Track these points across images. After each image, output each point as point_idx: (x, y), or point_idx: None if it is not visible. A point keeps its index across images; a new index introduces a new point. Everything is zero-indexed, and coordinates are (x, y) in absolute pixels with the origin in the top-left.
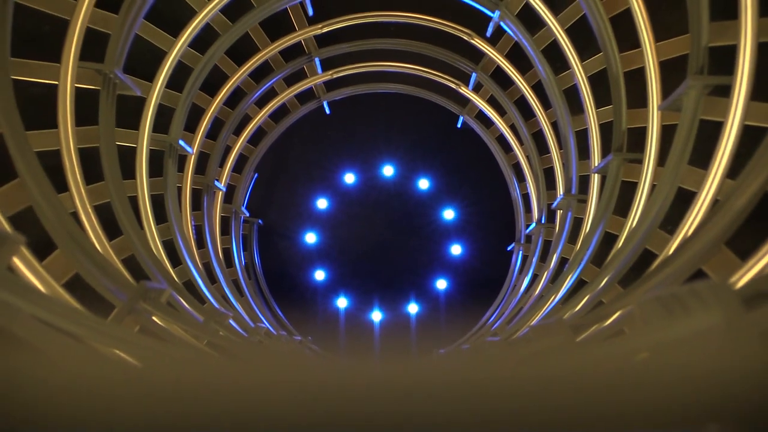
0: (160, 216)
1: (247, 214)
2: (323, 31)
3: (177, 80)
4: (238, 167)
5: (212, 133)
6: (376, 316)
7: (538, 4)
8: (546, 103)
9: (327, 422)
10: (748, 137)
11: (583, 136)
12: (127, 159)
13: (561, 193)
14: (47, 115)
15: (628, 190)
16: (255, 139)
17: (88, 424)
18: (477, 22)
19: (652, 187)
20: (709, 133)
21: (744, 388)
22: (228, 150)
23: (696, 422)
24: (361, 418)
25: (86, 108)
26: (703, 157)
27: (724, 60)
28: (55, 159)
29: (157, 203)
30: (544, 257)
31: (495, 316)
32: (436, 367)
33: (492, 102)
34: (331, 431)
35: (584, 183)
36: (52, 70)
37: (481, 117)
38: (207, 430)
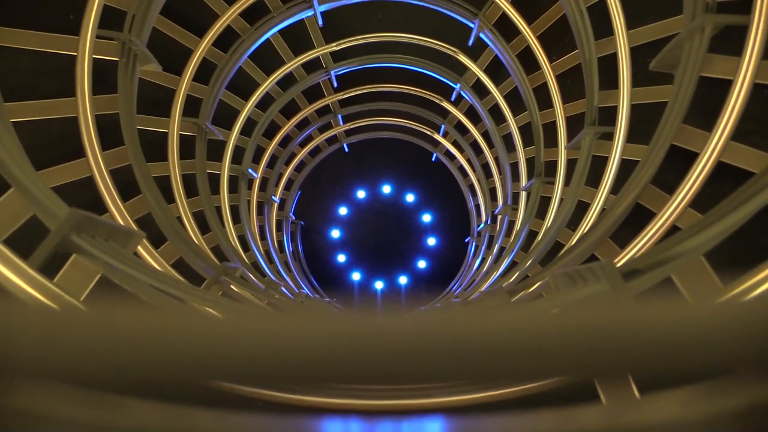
0: (236, 219)
1: (294, 218)
2: (344, 96)
3: (247, 129)
4: (287, 187)
5: (270, 164)
6: (379, 285)
7: (485, 80)
8: (491, 145)
9: (345, 354)
10: (625, 167)
11: (515, 167)
12: (213, 182)
13: (500, 203)
14: (160, 153)
15: (545, 201)
16: (299, 168)
17: (190, 356)
18: (445, 90)
19: (561, 200)
20: (599, 164)
21: (623, 335)
22: (281, 175)
23: (588, 360)
24: (367, 350)
25: (187, 148)
26: (595, 179)
27: (608, 116)
28: (166, 182)
29: (234, 210)
30: (490, 246)
31: (457, 285)
32: (418, 319)
33: (455, 144)
34: (346, 359)
35: (516, 197)
36: (164, 122)
37: (448, 154)
38: (267, 359)
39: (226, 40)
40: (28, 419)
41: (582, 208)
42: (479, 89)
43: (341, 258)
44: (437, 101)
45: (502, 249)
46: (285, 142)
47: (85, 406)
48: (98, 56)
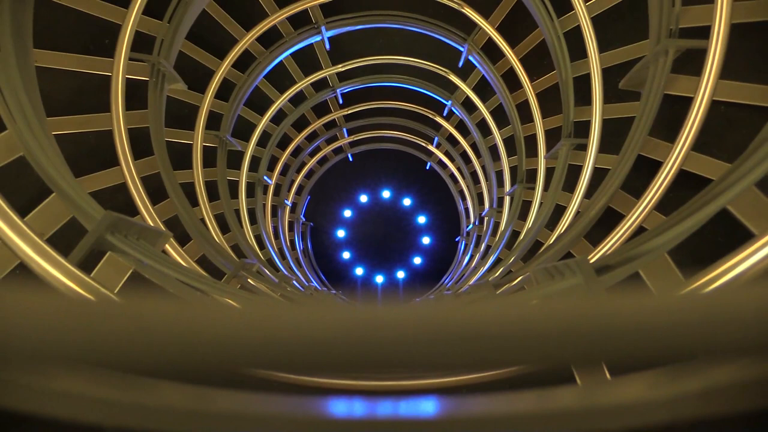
0: (253, 220)
1: (304, 220)
2: (348, 112)
3: (262, 141)
4: (298, 192)
5: (283, 172)
6: (379, 279)
7: (473, 97)
8: (478, 155)
9: (348, 340)
10: (597, 175)
11: (500, 174)
12: (233, 188)
13: (487, 207)
14: (186, 162)
15: (526, 205)
16: (308, 175)
17: (212, 341)
18: (438, 107)
19: (540, 203)
20: (574, 172)
21: (596, 323)
22: (292, 182)
23: (565, 346)
24: (369, 336)
25: (209, 157)
26: (570, 185)
27: (583, 129)
28: (191, 187)
29: (251, 213)
30: (478, 245)
31: (448, 279)
32: (414, 309)
33: (447, 154)
34: (350, 345)
35: (501, 201)
36: (189, 135)
37: (441, 163)
38: (278, 344)
39: (244, 62)
40: (67, 400)
41: (559, 210)
42: (468, 105)
43: (346, 255)
44: (431, 116)
45: (488, 247)
46: (296, 152)
47: (118, 388)
48: (130, 76)
